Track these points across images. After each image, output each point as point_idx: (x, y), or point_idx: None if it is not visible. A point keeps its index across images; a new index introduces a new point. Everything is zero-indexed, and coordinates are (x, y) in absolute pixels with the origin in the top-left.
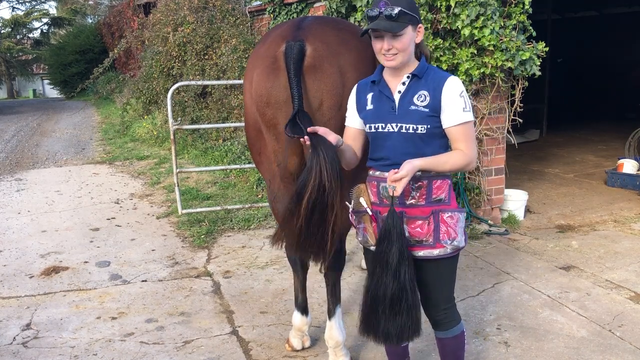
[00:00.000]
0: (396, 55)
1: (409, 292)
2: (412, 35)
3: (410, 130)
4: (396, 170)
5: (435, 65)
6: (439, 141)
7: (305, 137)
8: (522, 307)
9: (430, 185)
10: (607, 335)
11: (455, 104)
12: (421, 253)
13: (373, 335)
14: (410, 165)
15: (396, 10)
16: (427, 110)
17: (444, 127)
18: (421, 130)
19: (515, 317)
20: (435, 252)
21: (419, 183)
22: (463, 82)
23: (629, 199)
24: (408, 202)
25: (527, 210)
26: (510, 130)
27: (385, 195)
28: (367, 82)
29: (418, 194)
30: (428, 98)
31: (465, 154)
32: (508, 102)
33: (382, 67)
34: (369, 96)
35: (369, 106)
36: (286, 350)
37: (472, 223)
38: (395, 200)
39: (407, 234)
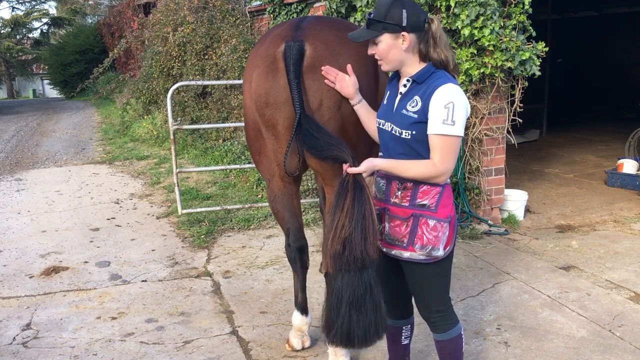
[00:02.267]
0: (381, 61)
1: (374, 290)
2: (391, 44)
3: (397, 133)
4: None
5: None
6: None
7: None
8: (522, 307)
9: (415, 189)
10: (607, 335)
11: (437, 114)
12: (393, 252)
13: (339, 340)
14: (370, 164)
15: (371, 17)
16: (415, 116)
17: (427, 133)
18: (405, 135)
19: (515, 317)
20: (406, 254)
21: (405, 184)
22: (463, 82)
23: (629, 199)
24: (392, 200)
25: (527, 210)
26: (510, 130)
27: (378, 189)
28: (393, 76)
29: (402, 194)
30: (419, 104)
31: (434, 165)
32: (508, 102)
33: None
34: (388, 92)
35: (384, 101)
36: (286, 350)
37: (472, 223)
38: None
39: (386, 231)
